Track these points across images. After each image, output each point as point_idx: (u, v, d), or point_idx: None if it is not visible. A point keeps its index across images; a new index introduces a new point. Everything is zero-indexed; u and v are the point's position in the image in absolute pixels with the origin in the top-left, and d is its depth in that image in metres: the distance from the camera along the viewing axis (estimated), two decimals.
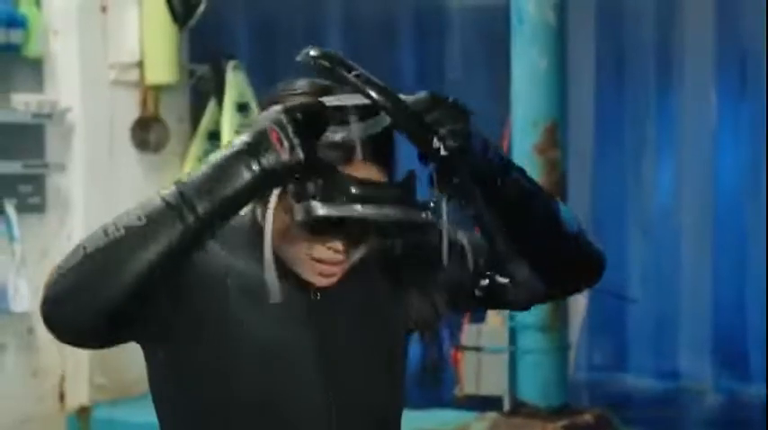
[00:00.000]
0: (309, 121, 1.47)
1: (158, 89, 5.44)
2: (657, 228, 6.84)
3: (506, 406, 4.71)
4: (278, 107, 1.48)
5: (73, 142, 5.23)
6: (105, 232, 1.44)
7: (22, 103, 5.11)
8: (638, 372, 6.89)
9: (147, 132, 5.39)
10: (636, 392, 6.77)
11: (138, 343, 1.62)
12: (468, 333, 4.92)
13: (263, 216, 1.59)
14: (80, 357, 5.28)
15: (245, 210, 1.67)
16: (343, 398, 1.64)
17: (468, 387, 4.84)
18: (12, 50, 5.08)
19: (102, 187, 5.14)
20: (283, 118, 1.46)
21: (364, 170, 1.53)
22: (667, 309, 6.82)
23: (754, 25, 6.31)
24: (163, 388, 1.64)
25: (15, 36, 5.05)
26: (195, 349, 1.58)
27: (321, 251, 1.57)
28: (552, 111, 4.70)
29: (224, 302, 1.59)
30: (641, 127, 6.85)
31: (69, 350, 5.36)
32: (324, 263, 1.58)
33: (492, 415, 4.69)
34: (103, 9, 5.31)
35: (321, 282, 1.60)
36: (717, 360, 6.73)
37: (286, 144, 1.45)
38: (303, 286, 1.62)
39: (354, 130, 1.51)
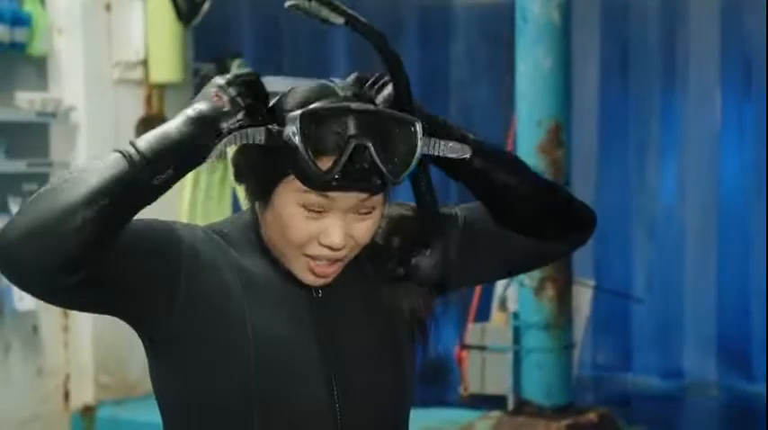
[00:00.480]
0: (248, 86, 1.54)
1: (163, 88, 5.44)
2: (662, 228, 6.85)
3: (510, 405, 4.70)
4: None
5: (77, 141, 5.23)
6: (62, 176, 1.47)
7: (27, 101, 5.11)
8: (642, 372, 6.89)
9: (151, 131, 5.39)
10: (640, 391, 6.78)
11: (138, 334, 1.61)
12: (473, 332, 4.93)
13: (262, 213, 1.59)
14: (85, 357, 5.28)
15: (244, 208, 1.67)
16: (349, 396, 1.63)
17: (472, 386, 4.84)
18: (16, 49, 5.08)
19: None
20: (221, 81, 1.53)
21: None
22: (671, 308, 6.82)
23: (758, 27, 6.31)
24: (165, 385, 1.63)
25: (20, 34, 5.05)
26: (195, 346, 1.57)
27: (316, 248, 1.57)
28: (556, 110, 4.70)
29: (225, 299, 1.58)
30: (645, 127, 6.85)
31: (74, 350, 5.37)
32: (318, 261, 1.58)
33: (496, 414, 4.69)
34: (108, 7, 5.31)
35: (315, 281, 1.60)
36: (721, 359, 6.73)
37: (225, 98, 1.51)
38: (304, 285, 1.62)
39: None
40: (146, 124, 5.39)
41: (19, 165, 5.05)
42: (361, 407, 1.63)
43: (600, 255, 6.64)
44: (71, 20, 5.22)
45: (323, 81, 1.60)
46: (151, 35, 5.28)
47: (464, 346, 4.91)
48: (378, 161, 1.51)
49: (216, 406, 1.58)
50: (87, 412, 5.28)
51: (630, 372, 6.94)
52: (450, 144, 1.61)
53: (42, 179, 5.13)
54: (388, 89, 1.59)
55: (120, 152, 1.47)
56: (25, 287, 1.46)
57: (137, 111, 5.39)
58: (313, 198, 1.54)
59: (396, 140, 1.54)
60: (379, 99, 1.59)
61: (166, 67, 5.31)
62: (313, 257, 1.57)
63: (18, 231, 1.42)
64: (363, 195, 1.55)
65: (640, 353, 6.92)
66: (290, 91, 1.59)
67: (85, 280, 1.45)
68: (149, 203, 1.48)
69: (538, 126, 4.67)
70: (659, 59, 6.81)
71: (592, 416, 4.66)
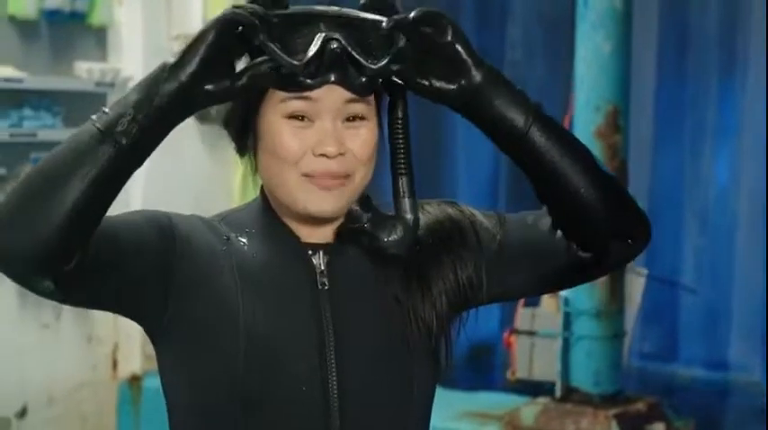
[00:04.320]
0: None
1: None
2: (714, 216, 6.78)
3: (558, 391, 4.67)
4: None
5: None
6: (43, 159, 1.42)
7: (85, 70, 5.13)
8: (688, 362, 6.84)
9: None
10: (685, 382, 6.73)
11: (141, 325, 1.59)
12: (523, 316, 4.90)
13: (258, 157, 1.54)
14: (133, 326, 5.30)
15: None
16: (348, 398, 1.53)
17: (520, 371, 4.81)
18: (77, 18, 5.10)
19: (162, 156, 5.13)
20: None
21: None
22: (720, 299, 6.76)
23: None
24: (166, 381, 1.59)
25: (81, 4, 5.07)
26: (188, 342, 1.52)
27: (312, 161, 1.50)
28: (615, 95, 4.66)
29: (220, 293, 1.53)
30: (702, 114, 6.78)
31: (123, 319, 5.38)
32: (318, 179, 1.51)
33: (543, 400, 4.66)
34: None
35: (322, 201, 1.52)
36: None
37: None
38: (309, 272, 1.56)
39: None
40: None
41: None
42: (361, 410, 1.55)
43: (652, 243, 6.58)
44: None
45: None
46: (210, 8, 5.28)
47: (513, 331, 4.88)
48: (350, 49, 1.46)
49: (205, 404, 1.53)
50: (134, 381, 5.31)
51: (677, 363, 6.89)
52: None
53: None
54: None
55: (90, 121, 1.41)
56: (17, 276, 1.41)
57: None
58: (295, 104, 1.50)
59: (370, 38, 1.49)
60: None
61: None
62: (312, 175, 1.51)
63: (4, 216, 1.38)
64: (346, 94, 1.50)
65: (687, 343, 6.87)
66: None
67: (78, 268, 1.40)
68: (127, 162, 1.40)
69: (596, 111, 4.63)
70: (717, 45, 6.73)
71: (640, 405, 4.62)
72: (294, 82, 1.48)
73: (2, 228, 1.37)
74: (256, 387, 1.51)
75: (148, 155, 1.42)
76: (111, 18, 5.21)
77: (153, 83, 1.40)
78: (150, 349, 5.88)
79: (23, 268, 1.39)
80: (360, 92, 1.51)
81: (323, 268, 1.57)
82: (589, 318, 4.64)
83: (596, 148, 4.49)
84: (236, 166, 5.21)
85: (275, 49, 1.45)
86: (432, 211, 1.63)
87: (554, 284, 1.70)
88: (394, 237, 1.54)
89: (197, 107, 1.44)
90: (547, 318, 4.80)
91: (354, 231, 1.57)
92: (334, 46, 1.46)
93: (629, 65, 4.74)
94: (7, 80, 4.83)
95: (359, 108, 1.52)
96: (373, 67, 1.47)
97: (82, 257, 1.40)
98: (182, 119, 1.43)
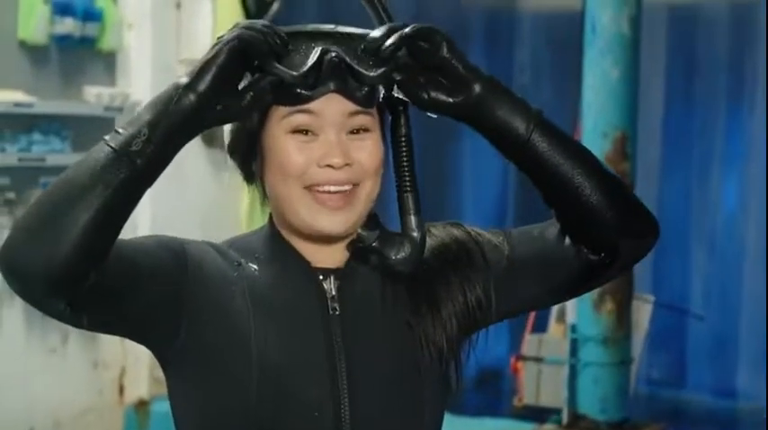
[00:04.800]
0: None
1: None
2: (722, 243, 6.77)
3: (565, 418, 4.66)
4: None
5: None
6: (57, 179, 1.42)
7: (94, 95, 5.15)
8: (695, 389, 6.81)
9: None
10: (693, 409, 6.70)
11: (152, 351, 1.56)
12: (529, 343, 4.89)
13: (264, 177, 1.54)
14: (140, 350, 5.31)
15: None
16: (363, 421, 1.53)
17: (527, 397, 4.80)
18: (86, 43, 5.13)
19: (170, 181, 5.15)
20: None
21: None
22: (728, 325, 6.73)
23: None
24: (176, 406, 1.58)
25: (91, 29, 5.10)
26: (200, 370, 1.52)
27: (317, 173, 1.50)
28: (623, 122, 4.67)
29: (231, 321, 1.52)
30: (710, 140, 6.78)
31: (131, 343, 5.38)
32: (325, 190, 1.51)
33: (550, 427, 4.65)
34: (178, 5, 5.35)
35: (330, 220, 1.52)
36: None
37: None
38: (320, 298, 1.56)
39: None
40: None
41: None
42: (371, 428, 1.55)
43: (659, 269, 6.57)
44: (141, 16, 5.27)
45: None
46: (219, 33, 5.31)
47: (520, 357, 4.88)
48: (348, 59, 1.48)
49: (219, 427, 1.52)
50: (141, 406, 5.31)
51: (684, 390, 6.86)
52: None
53: None
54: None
55: (104, 140, 1.41)
56: (33, 298, 1.41)
57: None
58: (298, 118, 1.50)
59: (367, 53, 1.50)
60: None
61: None
62: (318, 187, 1.51)
63: (15, 236, 1.38)
64: (348, 106, 1.51)
65: (695, 370, 6.84)
66: None
67: (92, 291, 1.40)
68: (140, 181, 1.40)
69: (604, 137, 4.64)
70: (726, 72, 6.73)
71: None
72: (294, 94, 1.49)
73: (17, 250, 1.38)
74: (269, 415, 1.50)
75: (160, 174, 1.43)
76: (121, 43, 5.24)
77: (166, 102, 1.41)
78: (158, 372, 5.85)
79: (39, 290, 1.39)
80: (361, 102, 1.51)
81: (334, 293, 1.56)
82: (596, 345, 4.63)
83: None
84: (244, 190, 5.23)
85: (275, 64, 1.46)
86: (438, 234, 1.63)
87: (568, 291, 1.68)
88: (402, 254, 1.55)
89: (206, 126, 1.45)
90: (554, 344, 4.79)
91: (363, 250, 1.57)
92: (332, 55, 1.48)
93: (636, 91, 4.75)
94: (17, 105, 4.86)
95: (362, 120, 1.53)
96: (372, 74, 1.48)
97: (97, 279, 1.40)
98: (190, 139, 1.44)
